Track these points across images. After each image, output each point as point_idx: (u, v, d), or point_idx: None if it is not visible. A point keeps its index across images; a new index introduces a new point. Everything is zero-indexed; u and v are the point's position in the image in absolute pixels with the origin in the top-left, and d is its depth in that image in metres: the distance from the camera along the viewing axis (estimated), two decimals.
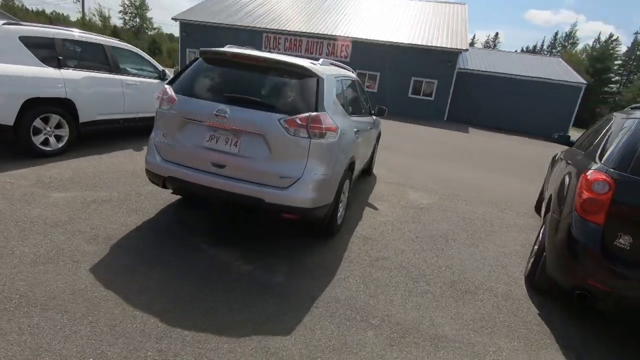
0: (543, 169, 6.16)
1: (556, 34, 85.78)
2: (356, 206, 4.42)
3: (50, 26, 4.97)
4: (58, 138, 4.72)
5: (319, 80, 2.94)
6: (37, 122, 4.43)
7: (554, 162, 4.90)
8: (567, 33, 66.71)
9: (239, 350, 1.98)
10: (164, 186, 3.09)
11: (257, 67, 2.98)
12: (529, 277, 3.14)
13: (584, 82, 20.01)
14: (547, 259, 2.75)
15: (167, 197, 3.85)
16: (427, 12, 22.18)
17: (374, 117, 5.24)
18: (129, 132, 6.01)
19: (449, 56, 18.68)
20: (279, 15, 21.77)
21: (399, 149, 8.98)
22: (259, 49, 3.87)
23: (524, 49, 70.04)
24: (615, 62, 51.26)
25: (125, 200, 3.67)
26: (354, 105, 4.05)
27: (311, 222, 3.08)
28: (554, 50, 63.86)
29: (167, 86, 3.06)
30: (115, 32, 44.14)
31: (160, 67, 6.39)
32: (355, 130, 3.68)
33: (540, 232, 3.25)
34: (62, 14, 69.59)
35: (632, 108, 3.23)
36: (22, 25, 4.45)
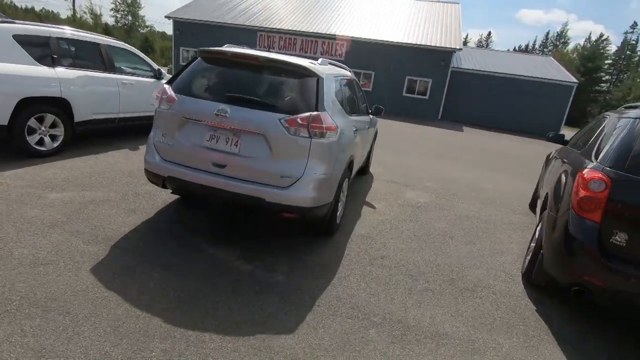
0: (537, 167, 6.24)
1: (548, 33, 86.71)
2: (354, 205, 4.44)
3: (44, 24, 4.91)
4: (53, 138, 4.67)
5: (319, 80, 2.95)
6: (32, 122, 4.37)
7: (548, 160, 4.97)
8: (559, 32, 67.62)
9: (242, 349, 1.98)
10: (164, 186, 3.08)
11: (257, 66, 2.98)
12: (526, 274, 3.19)
13: (576, 81, 20.24)
14: (545, 256, 2.79)
15: (165, 197, 3.84)
16: (421, 12, 22.28)
17: (371, 116, 5.27)
18: (124, 131, 5.96)
19: (443, 55, 18.80)
20: (273, 13, 21.69)
21: (394, 147, 9.02)
22: (253, 47, 3.86)
23: (516, 48, 70.56)
24: (606, 62, 51.92)
25: (123, 200, 3.65)
26: (352, 104, 4.07)
27: (311, 221, 3.10)
28: (545, 50, 64.46)
29: (166, 86, 3.05)
30: (107, 30, 43.55)
31: (156, 66, 6.34)
32: (354, 129, 3.70)
33: (536, 229, 3.30)
34: (52, 11, 68.46)
35: (625, 107, 3.28)
36: (16, 23, 4.39)
